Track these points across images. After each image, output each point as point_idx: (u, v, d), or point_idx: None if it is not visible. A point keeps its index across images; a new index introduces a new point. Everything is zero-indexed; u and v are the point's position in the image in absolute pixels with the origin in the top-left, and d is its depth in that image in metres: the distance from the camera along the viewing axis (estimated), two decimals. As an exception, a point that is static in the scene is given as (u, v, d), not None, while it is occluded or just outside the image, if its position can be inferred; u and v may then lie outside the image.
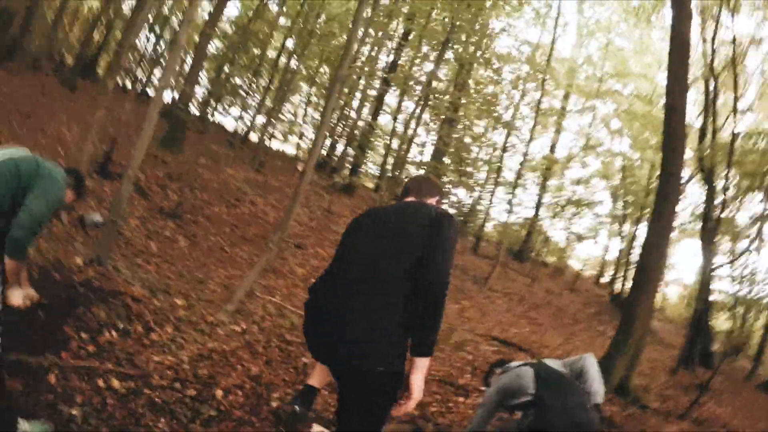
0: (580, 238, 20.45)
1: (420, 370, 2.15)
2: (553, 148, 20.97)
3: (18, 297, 2.88)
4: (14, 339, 3.42)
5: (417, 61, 16.85)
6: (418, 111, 15.09)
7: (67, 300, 4.50)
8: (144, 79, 22.06)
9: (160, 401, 3.51)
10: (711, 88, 12.89)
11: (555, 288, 17.53)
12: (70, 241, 6.80)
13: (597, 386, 3.36)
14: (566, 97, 20.80)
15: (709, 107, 12.92)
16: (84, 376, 3.50)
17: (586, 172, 20.32)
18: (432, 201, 2.61)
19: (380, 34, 15.43)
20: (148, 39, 21.07)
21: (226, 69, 19.91)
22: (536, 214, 19.92)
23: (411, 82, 15.48)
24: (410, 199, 2.63)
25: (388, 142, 18.38)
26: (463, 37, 11.25)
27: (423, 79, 15.35)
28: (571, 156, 19.50)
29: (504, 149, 19.39)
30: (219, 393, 3.91)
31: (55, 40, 20.89)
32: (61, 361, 3.54)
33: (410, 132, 18.67)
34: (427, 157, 20.39)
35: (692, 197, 17.15)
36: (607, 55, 20.04)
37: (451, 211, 21.00)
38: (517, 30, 18.76)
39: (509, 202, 17.37)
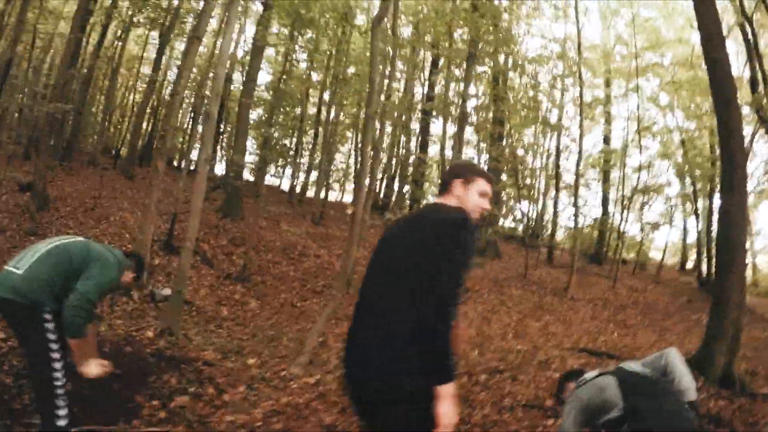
0: (654, 226, 19.24)
1: (443, 399, 1.93)
2: (607, 140, 20.13)
3: (92, 368, 2.97)
4: (88, 411, 3.52)
5: (452, 84, 16.85)
6: (463, 133, 14.92)
7: (138, 370, 4.58)
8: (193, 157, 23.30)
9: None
10: (749, 33, 11.96)
11: (639, 284, 16.46)
12: (142, 317, 7.04)
13: (687, 382, 2.89)
14: (607, 83, 20.03)
15: (753, 53, 11.96)
16: (158, 443, 3.49)
17: (646, 157, 19.35)
18: (455, 193, 2.35)
19: (407, 66, 15.61)
20: (191, 118, 22.24)
21: (274, 133, 20.70)
22: (605, 212, 19.05)
23: (451, 107, 15.47)
24: (437, 200, 2.43)
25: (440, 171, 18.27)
26: (490, 49, 11.11)
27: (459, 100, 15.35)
28: (626, 143, 18.59)
29: (558, 152, 18.90)
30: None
31: (107, 134, 22.50)
32: (131, 429, 3.58)
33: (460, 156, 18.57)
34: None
35: (762, 155, 15.92)
36: (637, 29, 19.06)
37: (517, 225, 20.70)
38: (541, 29, 18.54)
39: (574, 205, 16.72)
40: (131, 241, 9.77)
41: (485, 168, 19.04)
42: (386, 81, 13.29)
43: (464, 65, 12.46)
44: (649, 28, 18.88)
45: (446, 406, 1.93)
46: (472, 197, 2.34)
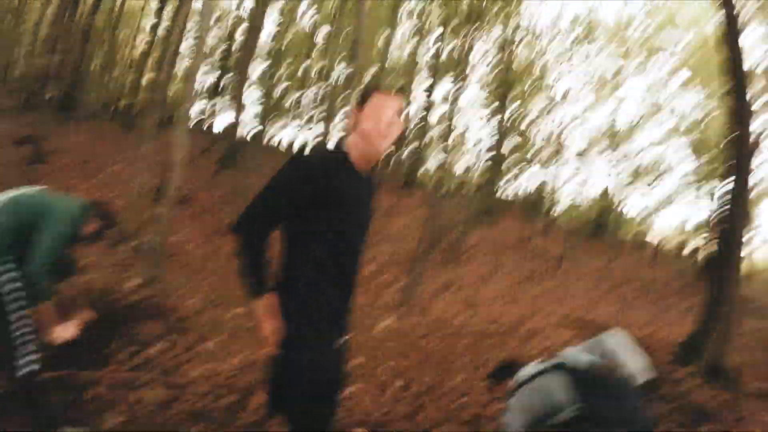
0: (657, 207, 19.12)
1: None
2: (615, 115, 19.77)
3: (63, 332, 2.86)
4: (59, 356, 3.48)
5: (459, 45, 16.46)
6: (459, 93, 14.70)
7: (117, 319, 4.59)
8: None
9: (201, 406, 3.47)
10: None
11: (635, 265, 16.45)
12: (131, 266, 7.04)
13: (637, 362, 2.55)
14: (624, 57, 19.56)
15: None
16: (128, 387, 3.52)
17: (658, 135, 19.03)
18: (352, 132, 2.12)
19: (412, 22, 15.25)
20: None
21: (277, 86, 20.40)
22: (608, 188, 18.85)
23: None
24: None
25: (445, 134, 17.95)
26: (498, 14, 10.79)
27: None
28: (637, 120, 18.23)
29: (565, 123, 18.63)
30: (256, 401, 3.76)
31: (107, 88, 22.29)
32: (102, 374, 3.60)
33: (464, 119, 18.40)
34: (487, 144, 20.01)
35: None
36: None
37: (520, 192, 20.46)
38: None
39: (577, 177, 16.58)
40: (121, 193, 9.75)
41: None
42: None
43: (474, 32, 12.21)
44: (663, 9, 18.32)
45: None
46: (370, 117, 2.05)
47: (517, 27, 16.17)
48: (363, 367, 4.90)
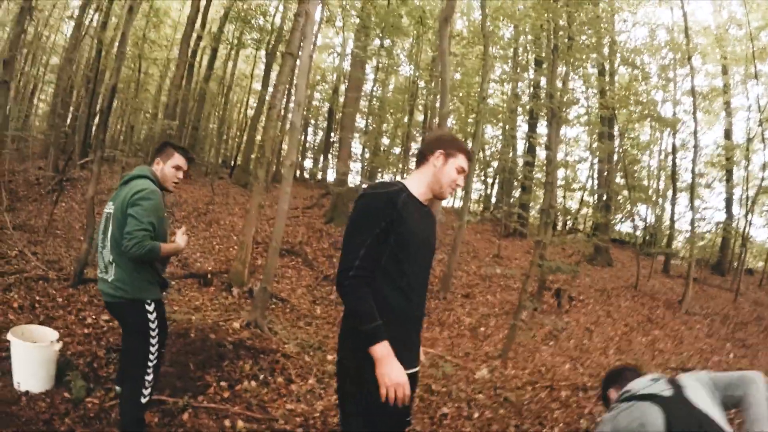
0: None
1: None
2: (728, 134, 17.97)
3: (180, 243, 3.22)
4: (159, 384, 3.85)
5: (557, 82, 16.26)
6: (555, 131, 14.38)
7: (216, 355, 4.99)
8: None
9: (279, 443, 3.66)
10: None
11: (766, 298, 14.70)
12: (237, 310, 7.63)
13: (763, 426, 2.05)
14: (724, 71, 18.07)
15: None
16: (213, 417, 3.83)
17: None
18: (432, 163, 2.34)
19: (507, 66, 15.31)
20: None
21: (381, 140, 21.17)
22: (728, 215, 17.17)
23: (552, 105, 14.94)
24: (410, 174, 2.52)
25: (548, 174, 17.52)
26: (587, 40, 10.53)
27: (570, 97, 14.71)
28: (749, 137, 16.51)
29: (674, 150, 17.40)
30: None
31: (223, 146, 24.41)
32: (195, 403, 3.94)
33: (570, 158, 17.81)
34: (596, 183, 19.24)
35: None
36: (750, 7, 16.85)
37: (633, 230, 19.20)
38: (647, 15, 17.25)
39: (692, 208, 15.28)
40: (234, 243, 10.56)
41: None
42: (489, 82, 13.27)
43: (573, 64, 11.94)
44: (763, 5, 16.71)
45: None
46: (449, 171, 2.31)
47: (614, 55, 15.63)
48: (449, 417, 4.85)
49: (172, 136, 11.27)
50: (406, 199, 2.19)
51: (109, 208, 3.07)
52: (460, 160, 2.31)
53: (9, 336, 3.69)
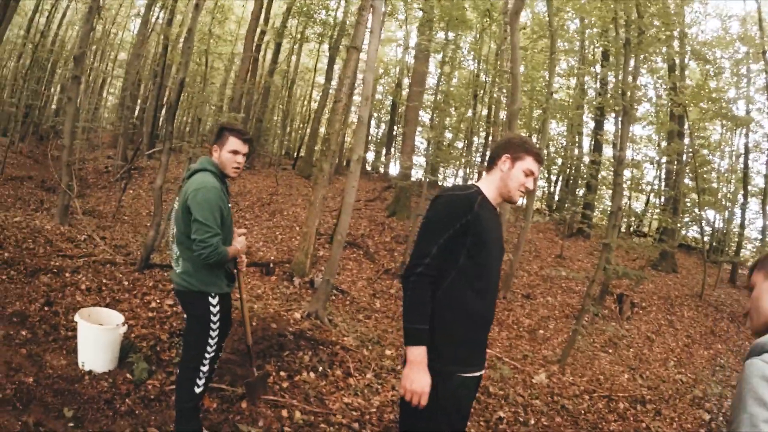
0: None
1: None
2: None
3: (240, 245, 3.17)
4: (219, 371, 4.00)
5: (622, 77, 15.48)
6: (626, 129, 13.75)
7: (276, 345, 4.97)
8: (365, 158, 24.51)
9: (334, 436, 3.58)
10: None
11: None
12: (298, 300, 7.66)
13: None
14: None
15: None
16: (272, 406, 3.86)
17: None
18: (500, 167, 2.33)
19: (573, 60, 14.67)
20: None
21: (444, 134, 20.83)
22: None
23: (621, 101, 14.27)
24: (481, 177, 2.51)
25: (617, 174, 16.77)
26: (656, 33, 9.88)
27: (638, 95, 13.96)
28: None
29: (746, 151, 16.21)
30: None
31: (287, 139, 24.78)
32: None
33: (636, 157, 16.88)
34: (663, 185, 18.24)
35: None
36: None
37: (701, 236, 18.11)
38: (717, 7, 16.07)
39: (764, 215, 14.20)
40: (297, 234, 10.61)
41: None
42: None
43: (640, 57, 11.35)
44: None
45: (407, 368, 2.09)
46: (517, 175, 2.28)
47: (686, 48, 14.68)
48: (505, 421, 4.75)
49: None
50: (482, 202, 2.23)
51: (176, 203, 3.15)
52: (528, 163, 2.30)
53: (76, 317, 3.84)
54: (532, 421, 4.85)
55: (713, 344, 10.18)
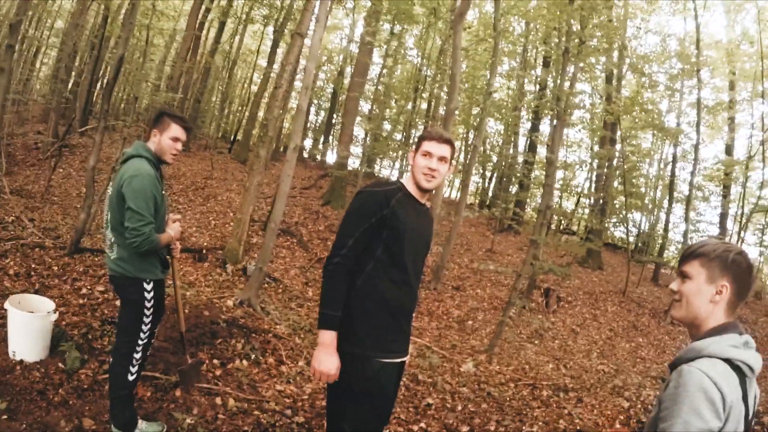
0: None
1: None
2: (729, 150, 18.05)
3: (174, 232, 3.17)
4: (151, 360, 3.99)
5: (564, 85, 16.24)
6: (558, 132, 14.46)
7: (209, 333, 5.04)
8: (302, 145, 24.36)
9: (266, 423, 3.72)
10: None
11: (751, 316, 14.85)
12: (230, 288, 7.67)
13: None
14: (732, 86, 18.03)
15: None
16: (205, 394, 3.90)
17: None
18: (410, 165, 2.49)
19: (515, 62, 15.24)
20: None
21: (382, 126, 21.01)
22: (722, 231, 17.28)
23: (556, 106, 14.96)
24: None
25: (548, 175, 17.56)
26: (597, 44, 10.48)
27: (576, 100, 14.68)
28: (750, 154, 16.61)
29: (674, 160, 17.47)
30: (322, 423, 3.98)
31: (224, 122, 24.25)
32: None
33: (570, 159, 17.76)
34: (593, 186, 19.30)
35: None
36: (764, 26, 16.80)
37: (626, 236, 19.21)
38: (659, 24, 17.19)
39: (687, 220, 15.41)
40: (230, 220, 10.54)
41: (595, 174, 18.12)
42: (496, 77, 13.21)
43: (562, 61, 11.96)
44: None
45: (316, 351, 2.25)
46: (418, 160, 2.40)
47: (622, 60, 15.62)
48: (433, 407, 4.95)
49: (173, 107, 11.20)
50: (401, 198, 2.35)
51: (110, 187, 3.09)
52: (425, 146, 2.39)
53: (6, 305, 3.70)
54: (459, 407, 5.08)
55: (635, 338, 10.90)
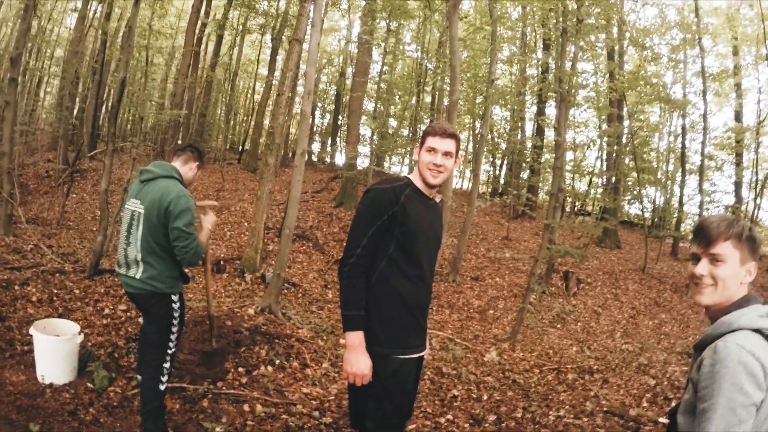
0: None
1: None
2: (738, 117, 17.77)
3: (207, 225, 3.42)
4: (180, 372, 4.11)
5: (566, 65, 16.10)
6: (564, 114, 14.35)
7: (233, 342, 5.10)
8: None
9: (295, 426, 3.77)
10: None
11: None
12: (251, 296, 7.76)
13: None
14: (735, 52, 17.75)
15: None
16: (233, 402, 3.97)
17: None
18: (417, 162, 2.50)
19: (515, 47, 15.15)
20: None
21: (388, 123, 21.00)
22: (737, 199, 17.02)
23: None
24: None
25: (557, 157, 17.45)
26: (594, 21, 10.34)
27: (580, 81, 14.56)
28: (760, 119, 16.30)
29: (684, 132, 17.26)
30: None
31: (231, 133, 24.43)
32: (215, 389, 4.09)
33: (579, 140, 17.57)
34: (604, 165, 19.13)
35: None
36: None
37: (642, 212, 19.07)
38: None
39: (701, 191, 15.19)
40: (246, 229, 10.62)
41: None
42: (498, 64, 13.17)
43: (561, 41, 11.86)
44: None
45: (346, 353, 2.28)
46: (423, 156, 2.41)
47: (623, 34, 15.45)
48: (459, 399, 4.98)
49: (181, 123, 11.31)
50: (410, 194, 2.36)
51: (135, 206, 3.15)
52: (429, 142, 2.39)
53: (32, 330, 3.79)
54: (485, 397, 5.09)
55: (657, 314, 10.78)
